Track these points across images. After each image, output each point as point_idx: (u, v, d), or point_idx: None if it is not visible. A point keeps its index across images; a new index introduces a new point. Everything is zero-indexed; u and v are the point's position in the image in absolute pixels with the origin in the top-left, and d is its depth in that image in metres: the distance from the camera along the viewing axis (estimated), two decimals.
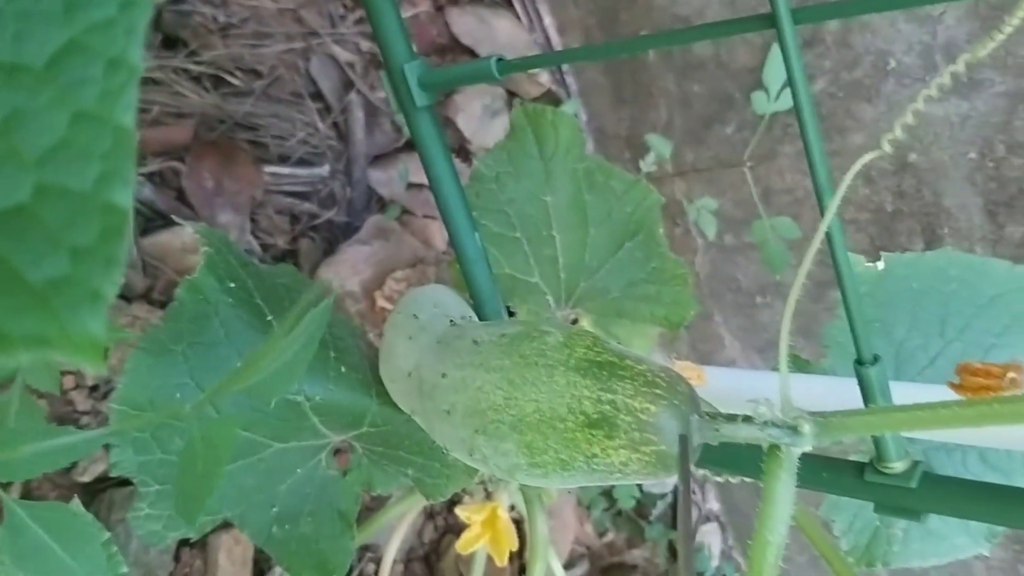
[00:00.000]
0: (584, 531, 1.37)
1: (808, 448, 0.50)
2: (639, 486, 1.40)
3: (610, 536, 1.41)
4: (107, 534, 0.57)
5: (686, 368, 0.81)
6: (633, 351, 0.53)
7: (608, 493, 1.37)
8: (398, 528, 1.11)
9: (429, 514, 1.20)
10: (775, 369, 0.87)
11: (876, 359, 0.60)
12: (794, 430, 0.48)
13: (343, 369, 0.75)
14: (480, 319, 0.79)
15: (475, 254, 0.80)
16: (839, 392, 0.75)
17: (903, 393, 0.65)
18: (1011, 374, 0.49)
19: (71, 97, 0.24)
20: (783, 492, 0.48)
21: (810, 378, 0.83)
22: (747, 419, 0.48)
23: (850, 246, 0.74)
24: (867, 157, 0.46)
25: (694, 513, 1.45)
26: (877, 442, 0.62)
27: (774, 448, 0.49)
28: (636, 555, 1.42)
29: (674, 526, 1.45)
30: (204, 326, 0.69)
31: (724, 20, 0.45)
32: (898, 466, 0.62)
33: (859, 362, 0.61)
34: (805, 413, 0.50)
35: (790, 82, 0.44)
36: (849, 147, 1.05)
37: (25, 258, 0.22)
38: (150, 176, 0.98)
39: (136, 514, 0.70)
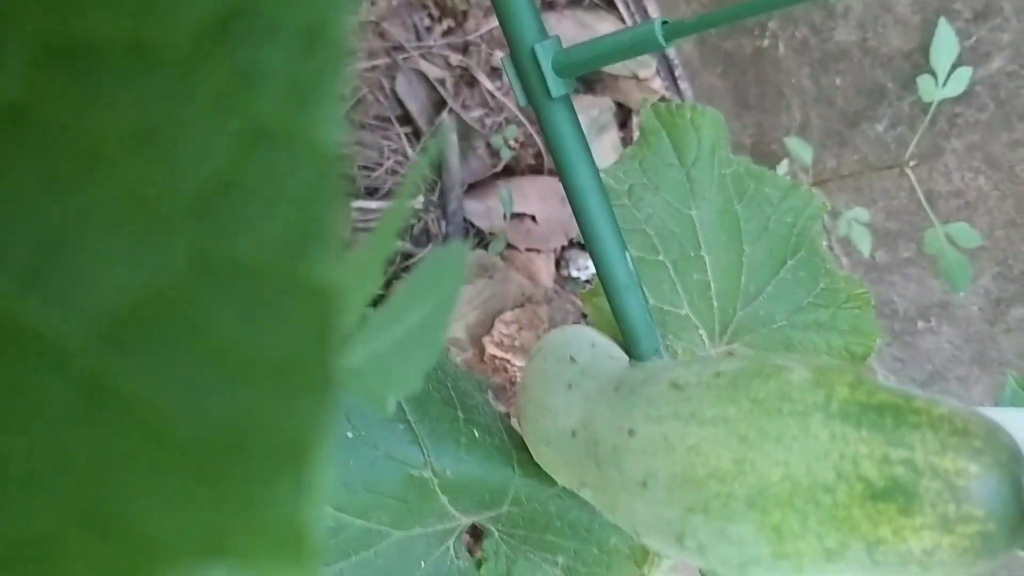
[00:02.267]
0: None
1: None
2: None
3: None
4: None
5: None
6: (916, 390, 0.37)
7: None
8: None
9: None
10: None
11: None
12: None
13: (476, 433, 0.60)
14: (632, 359, 0.63)
15: (627, 280, 0.64)
16: None
17: None
18: None
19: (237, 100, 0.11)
20: None
21: None
22: None
23: None
24: None
25: None
26: None
27: None
28: None
29: None
30: None
31: None
32: None
33: None
34: None
35: None
36: None
37: (183, 397, 0.12)
38: None
39: None
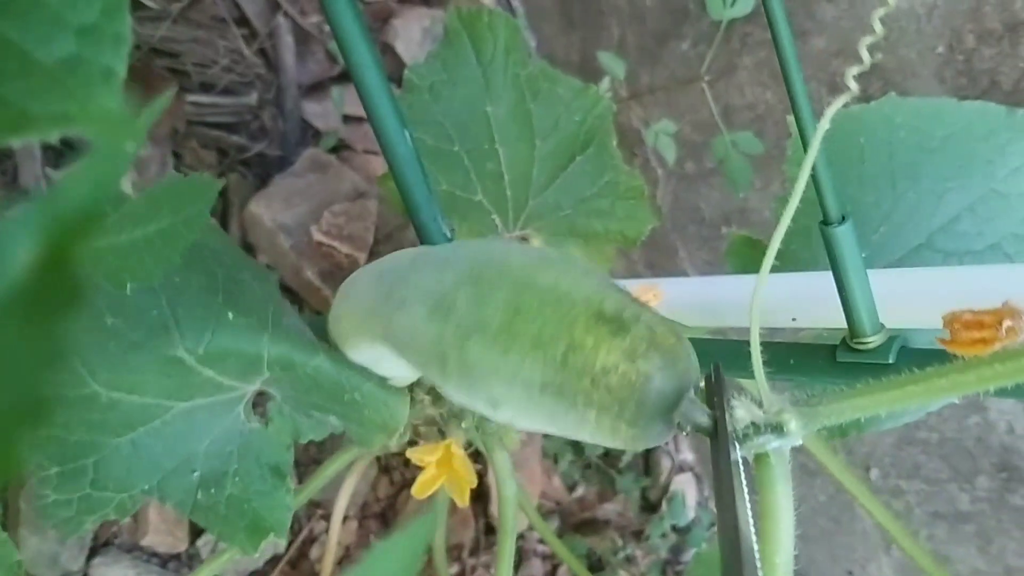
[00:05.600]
0: (552, 485, 1.30)
1: (798, 443, 0.44)
2: None
3: (580, 490, 1.34)
4: None
5: (642, 290, 0.74)
6: None
7: (576, 443, 1.30)
8: (348, 481, 1.03)
9: (384, 468, 1.13)
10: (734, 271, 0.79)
11: (844, 218, 0.54)
12: (779, 429, 0.42)
13: (231, 315, 0.65)
14: (416, 228, 0.71)
15: (406, 154, 0.72)
16: (806, 286, 0.68)
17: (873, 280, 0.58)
18: (1007, 322, 0.42)
19: None
20: (782, 502, 0.42)
21: (782, 277, 0.76)
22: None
23: None
24: None
25: (666, 463, 1.39)
26: (849, 314, 0.55)
27: (763, 456, 0.43)
28: (608, 509, 1.35)
29: (646, 474, 1.39)
30: None
31: None
32: (874, 340, 0.56)
33: (825, 222, 0.54)
34: (787, 406, 0.44)
35: None
36: (810, 51, 0.99)
37: (34, 40, 0.23)
38: None
39: (42, 503, 0.62)
